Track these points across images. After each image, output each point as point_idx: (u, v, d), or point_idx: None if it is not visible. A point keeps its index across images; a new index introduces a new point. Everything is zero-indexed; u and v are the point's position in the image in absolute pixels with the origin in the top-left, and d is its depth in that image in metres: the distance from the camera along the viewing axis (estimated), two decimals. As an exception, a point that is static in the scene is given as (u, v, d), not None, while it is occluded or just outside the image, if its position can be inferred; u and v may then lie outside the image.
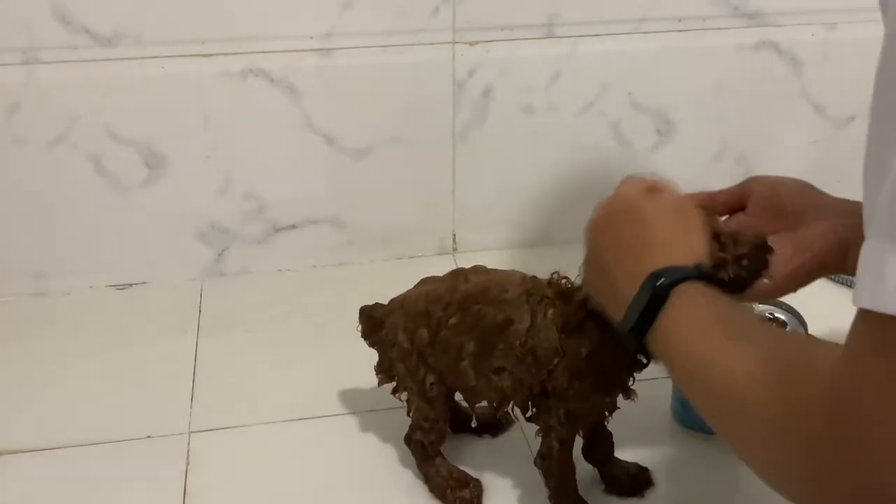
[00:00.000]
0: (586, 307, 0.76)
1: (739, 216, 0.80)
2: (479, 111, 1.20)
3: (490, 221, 1.28)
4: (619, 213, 0.72)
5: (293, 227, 1.23)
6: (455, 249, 1.28)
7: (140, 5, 1.08)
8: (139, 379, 1.04)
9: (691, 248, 0.68)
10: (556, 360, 0.77)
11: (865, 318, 0.46)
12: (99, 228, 1.18)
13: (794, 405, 0.50)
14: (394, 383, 0.88)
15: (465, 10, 1.14)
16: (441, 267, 1.21)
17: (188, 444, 0.94)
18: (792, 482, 0.52)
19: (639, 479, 0.87)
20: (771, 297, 0.77)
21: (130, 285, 1.21)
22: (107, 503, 0.88)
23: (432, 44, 1.15)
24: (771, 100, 1.27)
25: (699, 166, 1.29)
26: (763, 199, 0.78)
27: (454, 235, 1.28)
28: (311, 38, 1.13)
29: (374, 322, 0.88)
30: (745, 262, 0.72)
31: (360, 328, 0.88)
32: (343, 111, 1.17)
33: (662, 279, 0.63)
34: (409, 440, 0.88)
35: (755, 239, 0.73)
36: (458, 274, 0.85)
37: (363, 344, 0.89)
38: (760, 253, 0.72)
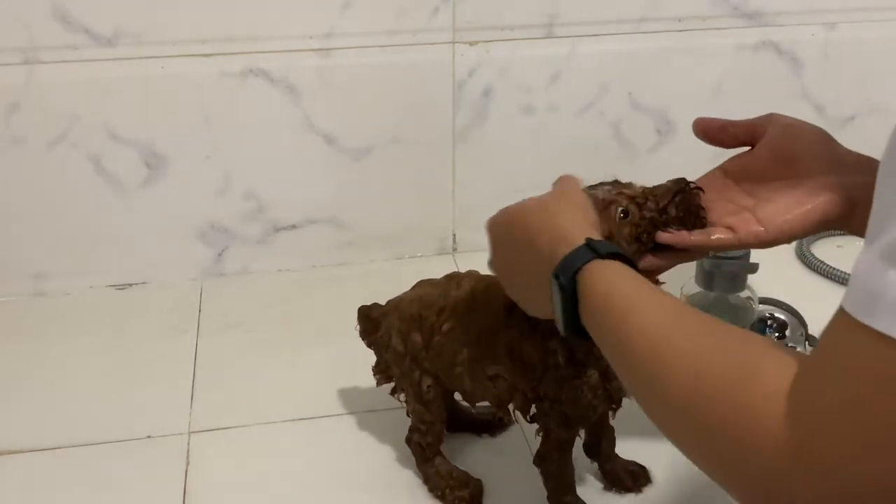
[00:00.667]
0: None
1: (744, 155, 0.77)
2: (479, 111, 1.20)
3: (490, 221, 1.28)
4: (504, 224, 0.73)
5: (293, 227, 1.23)
6: (455, 249, 1.28)
7: (140, 5, 1.08)
8: (139, 379, 1.04)
9: (576, 220, 0.67)
10: (543, 368, 0.77)
11: (853, 329, 0.44)
12: (99, 228, 1.18)
13: (745, 417, 0.48)
14: (392, 384, 0.88)
15: (465, 10, 1.14)
16: (441, 267, 1.21)
17: (188, 444, 0.94)
18: (731, 481, 0.50)
19: (637, 476, 0.88)
20: (765, 246, 0.72)
21: (130, 285, 1.21)
22: (107, 503, 0.88)
23: (432, 44, 1.15)
24: (771, 100, 1.26)
25: (699, 166, 1.29)
26: (776, 142, 0.74)
27: (454, 235, 1.28)
28: (311, 38, 1.13)
29: (371, 322, 0.88)
30: (671, 210, 0.72)
31: (358, 327, 0.89)
32: (343, 111, 1.17)
33: (560, 278, 0.63)
34: (409, 441, 0.88)
35: (670, 185, 0.74)
36: (451, 278, 0.86)
37: (363, 344, 0.89)
38: (682, 194, 0.73)
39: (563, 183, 0.73)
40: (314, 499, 0.88)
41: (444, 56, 1.16)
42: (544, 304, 0.67)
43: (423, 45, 1.15)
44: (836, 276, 1.18)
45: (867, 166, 0.71)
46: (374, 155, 1.20)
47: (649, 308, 0.59)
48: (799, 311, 1.01)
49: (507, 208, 0.73)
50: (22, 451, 0.93)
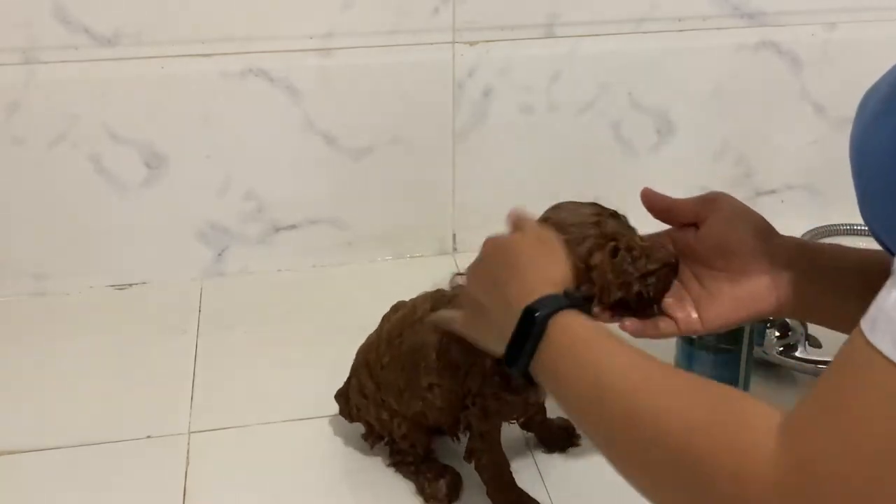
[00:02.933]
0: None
1: (689, 233, 0.79)
2: (479, 111, 1.20)
3: (490, 221, 1.27)
4: (488, 256, 0.76)
5: (293, 227, 1.23)
6: (455, 249, 1.28)
7: (140, 5, 1.08)
8: (139, 379, 1.04)
9: (554, 272, 0.70)
10: (469, 364, 0.79)
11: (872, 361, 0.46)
12: (99, 228, 1.18)
13: (741, 461, 0.49)
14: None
15: (465, 10, 1.14)
16: (441, 267, 1.21)
17: (188, 444, 0.94)
18: None
19: (571, 431, 0.92)
20: (696, 333, 0.79)
21: (130, 285, 1.21)
22: (107, 503, 0.88)
23: (432, 44, 1.15)
24: (771, 100, 1.27)
25: (699, 166, 1.30)
26: (716, 235, 0.77)
27: (454, 235, 1.28)
28: (311, 38, 1.13)
29: (345, 397, 0.91)
30: (650, 280, 0.73)
31: (339, 412, 0.92)
32: (343, 111, 1.17)
33: (538, 312, 0.65)
34: (397, 464, 0.90)
35: (666, 257, 0.74)
36: (384, 318, 0.89)
37: (362, 343, 0.90)
38: (669, 273, 0.74)
39: (540, 229, 0.75)
40: (313, 498, 0.88)
41: (444, 56, 1.16)
42: (491, 335, 0.70)
43: (423, 45, 1.15)
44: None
45: (799, 259, 0.76)
46: (374, 155, 1.20)
47: (621, 364, 0.60)
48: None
49: (504, 237, 0.76)
50: (22, 451, 0.93)
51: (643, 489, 0.56)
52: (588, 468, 0.89)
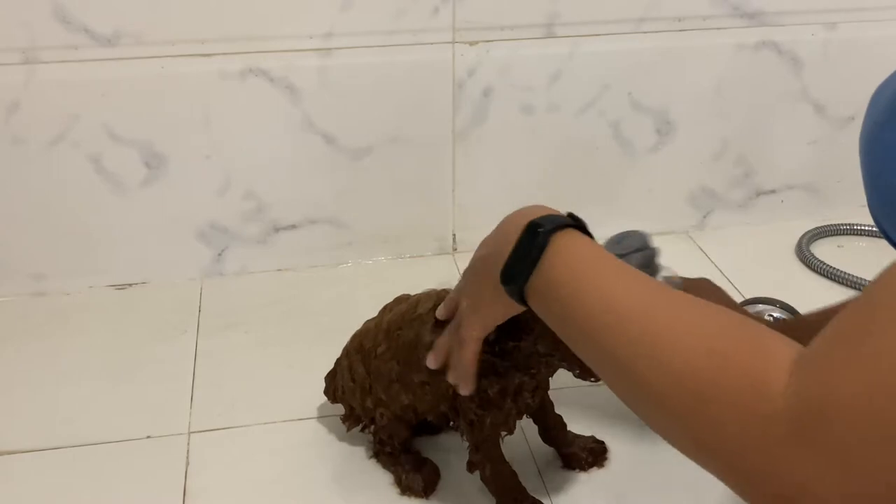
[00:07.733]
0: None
1: None
2: (479, 111, 1.20)
3: (490, 221, 1.27)
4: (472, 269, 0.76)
5: (293, 227, 1.23)
6: (455, 249, 1.28)
7: (140, 5, 1.08)
8: (139, 379, 1.04)
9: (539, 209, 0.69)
10: None
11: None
12: (99, 228, 1.18)
13: (756, 388, 0.44)
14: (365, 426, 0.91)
15: (465, 10, 1.14)
16: (441, 267, 1.21)
17: (188, 444, 0.94)
18: (719, 460, 0.47)
19: (597, 453, 0.90)
20: None
21: (130, 285, 1.21)
22: (107, 503, 0.88)
23: (432, 44, 1.15)
24: (771, 100, 1.27)
25: (699, 166, 1.30)
26: None
27: (454, 235, 1.28)
28: (311, 38, 1.13)
29: (332, 376, 0.92)
30: None
31: (323, 391, 0.93)
32: (343, 111, 1.17)
33: (541, 228, 0.63)
34: (377, 454, 0.91)
35: None
36: (385, 309, 0.89)
37: (359, 328, 0.90)
38: None
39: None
40: (313, 498, 0.88)
41: (444, 56, 1.16)
42: (490, 281, 0.69)
43: (423, 45, 1.15)
44: (836, 276, 1.18)
45: None
46: (374, 155, 1.20)
47: (630, 283, 0.57)
48: (798, 310, 1.01)
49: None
50: (22, 451, 0.93)
51: (648, 418, 0.52)
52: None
